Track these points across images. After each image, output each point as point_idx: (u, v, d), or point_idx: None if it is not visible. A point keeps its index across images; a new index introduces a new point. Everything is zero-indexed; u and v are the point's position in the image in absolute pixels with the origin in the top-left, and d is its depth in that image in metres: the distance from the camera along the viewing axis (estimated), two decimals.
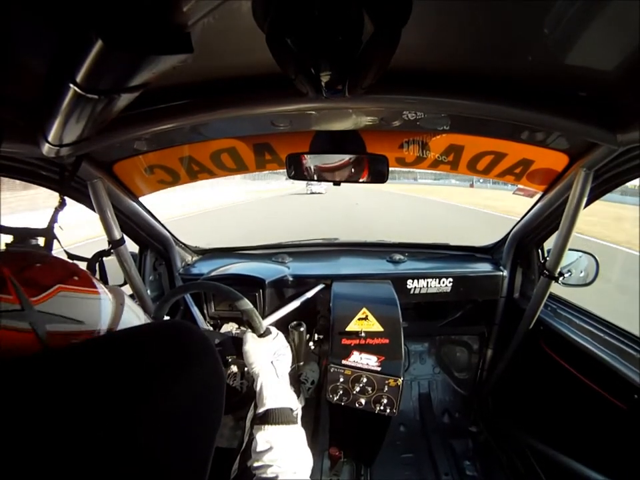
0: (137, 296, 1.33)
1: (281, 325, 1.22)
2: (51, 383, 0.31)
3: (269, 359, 0.81)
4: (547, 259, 1.25)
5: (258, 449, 0.67)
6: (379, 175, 1.09)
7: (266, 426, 0.70)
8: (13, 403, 0.28)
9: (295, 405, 0.77)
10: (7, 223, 0.76)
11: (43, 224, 0.85)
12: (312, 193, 22.53)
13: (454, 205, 17.11)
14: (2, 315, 0.33)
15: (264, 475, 0.63)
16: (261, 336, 0.86)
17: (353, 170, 1.10)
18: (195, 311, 1.35)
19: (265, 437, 0.68)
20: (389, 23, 0.39)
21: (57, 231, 0.86)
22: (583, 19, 0.45)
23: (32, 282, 0.37)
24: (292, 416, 0.73)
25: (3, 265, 0.37)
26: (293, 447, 0.69)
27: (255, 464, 0.66)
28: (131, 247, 1.30)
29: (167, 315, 1.02)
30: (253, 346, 0.83)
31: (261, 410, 0.73)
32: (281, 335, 0.89)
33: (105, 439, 0.30)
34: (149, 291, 1.45)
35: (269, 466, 0.64)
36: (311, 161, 1.11)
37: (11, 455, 0.26)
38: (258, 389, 0.77)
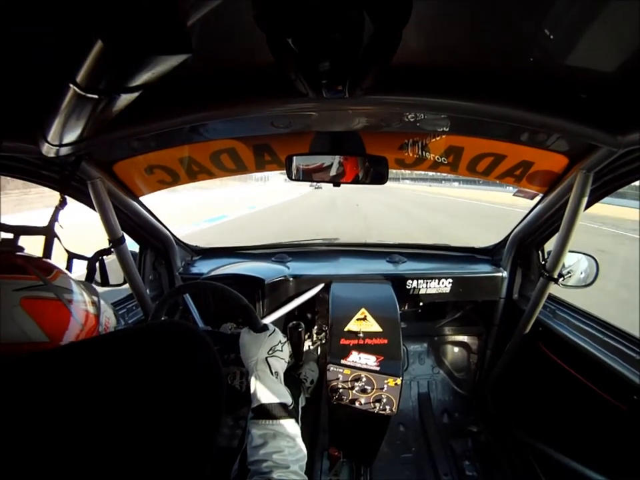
0: (136, 295, 1.33)
1: (280, 324, 1.22)
2: (53, 382, 0.31)
3: (264, 355, 0.81)
4: (547, 260, 1.25)
5: (253, 444, 0.68)
6: (378, 176, 1.09)
7: (260, 421, 0.71)
8: (19, 398, 0.30)
9: (289, 400, 0.77)
10: None
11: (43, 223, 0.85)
12: None
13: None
14: (32, 289, 0.45)
15: (259, 470, 0.64)
16: (257, 332, 0.86)
17: (352, 171, 1.10)
18: (194, 310, 1.35)
19: (259, 432, 0.70)
20: (389, 23, 0.39)
21: (57, 229, 0.86)
22: (583, 21, 0.45)
23: (40, 267, 0.49)
24: (285, 411, 0.74)
25: (15, 258, 0.49)
26: (287, 441, 0.69)
27: (251, 458, 0.67)
28: (131, 246, 1.30)
29: (165, 315, 1.02)
30: (249, 341, 0.84)
31: (254, 405, 0.74)
32: (278, 332, 0.89)
33: (106, 438, 0.30)
34: (148, 291, 1.44)
35: (264, 460, 0.65)
36: (310, 162, 1.11)
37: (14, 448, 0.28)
38: (252, 384, 0.77)
